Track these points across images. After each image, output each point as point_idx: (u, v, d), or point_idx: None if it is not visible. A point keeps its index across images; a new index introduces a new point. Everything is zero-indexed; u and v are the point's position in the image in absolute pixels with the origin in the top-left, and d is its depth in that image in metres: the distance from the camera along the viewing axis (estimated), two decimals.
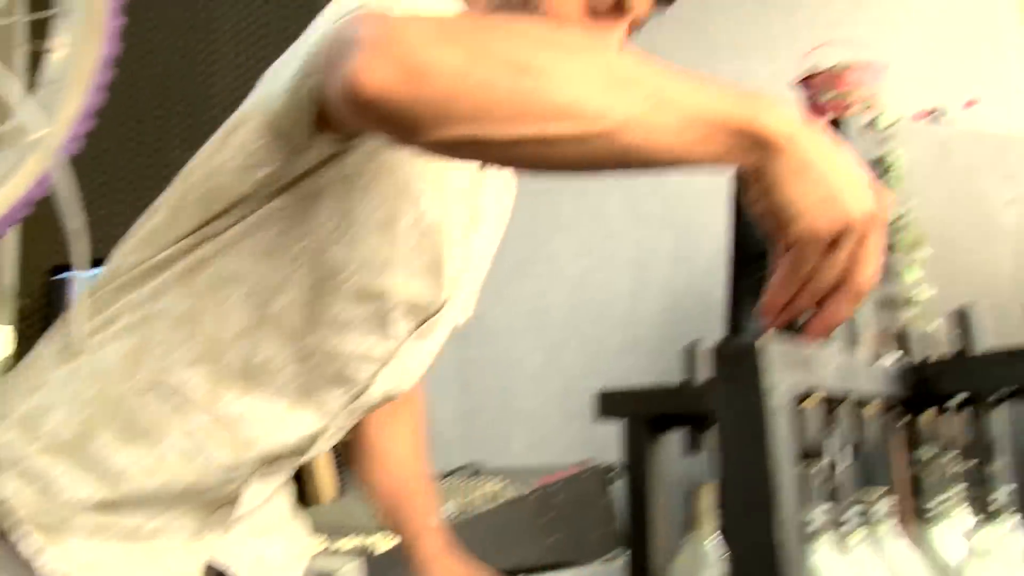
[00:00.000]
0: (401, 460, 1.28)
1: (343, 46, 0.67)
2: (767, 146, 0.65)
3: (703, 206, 2.32)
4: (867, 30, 2.27)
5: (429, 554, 1.22)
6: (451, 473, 2.13)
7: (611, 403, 1.13)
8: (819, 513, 0.72)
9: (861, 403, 0.81)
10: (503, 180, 1.13)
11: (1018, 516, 0.82)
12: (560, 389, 2.50)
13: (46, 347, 0.96)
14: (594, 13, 0.97)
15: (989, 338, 0.85)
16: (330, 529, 1.63)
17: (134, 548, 0.91)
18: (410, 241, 0.93)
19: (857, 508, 0.77)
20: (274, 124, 0.85)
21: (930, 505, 0.88)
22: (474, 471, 2.13)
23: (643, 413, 1.08)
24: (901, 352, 0.90)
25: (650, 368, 2.36)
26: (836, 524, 0.76)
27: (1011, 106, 2.07)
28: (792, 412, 0.67)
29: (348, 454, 1.27)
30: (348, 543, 1.58)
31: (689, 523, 0.98)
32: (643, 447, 1.06)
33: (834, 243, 0.67)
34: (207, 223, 0.91)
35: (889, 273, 1.51)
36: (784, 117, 0.66)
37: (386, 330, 0.96)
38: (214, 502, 0.96)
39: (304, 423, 0.96)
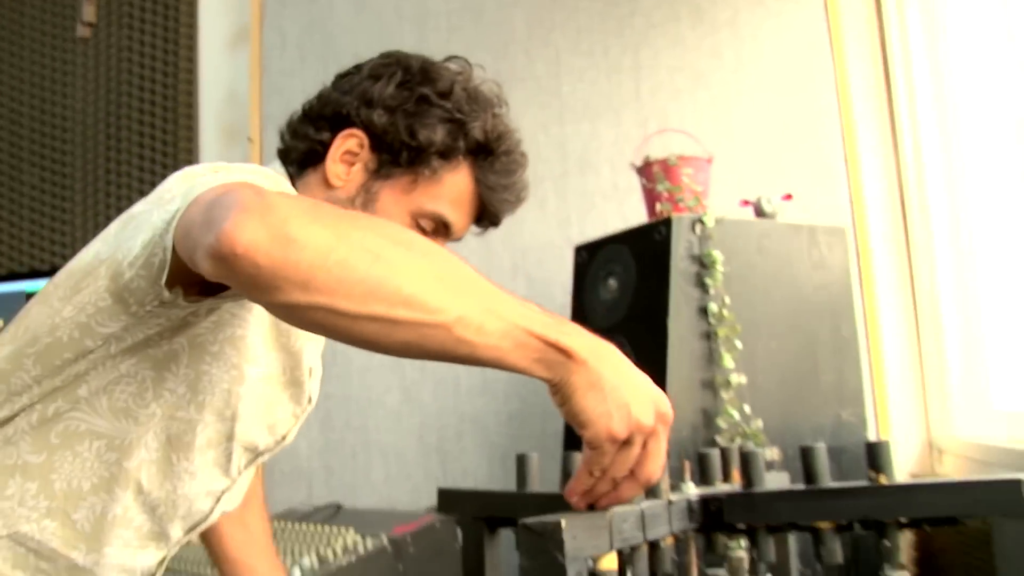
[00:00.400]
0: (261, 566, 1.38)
1: (221, 208, 0.74)
2: (570, 358, 0.78)
3: (552, 260, 2.46)
4: (702, 111, 2.44)
5: None
6: (313, 513, 2.21)
7: (448, 501, 1.25)
8: None
9: (655, 542, 0.96)
10: None
11: None
12: (417, 425, 2.60)
13: None
14: (418, 229, 1.11)
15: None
16: None
17: None
18: (254, 396, 1.03)
19: None
20: (120, 286, 0.91)
21: None
22: (334, 510, 2.21)
23: (478, 513, 1.20)
24: (695, 484, 1.06)
25: (501, 408, 2.50)
26: None
27: (823, 199, 2.29)
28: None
29: (211, 554, 1.36)
30: None
31: None
32: (479, 541, 1.19)
33: (626, 442, 0.81)
34: (53, 374, 0.94)
35: (711, 358, 1.68)
36: (585, 339, 0.80)
37: (229, 469, 1.06)
38: None
39: (151, 556, 1.04)
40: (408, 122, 1.11)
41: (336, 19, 2.79)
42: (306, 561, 1.77)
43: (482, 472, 2.54)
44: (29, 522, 0.94)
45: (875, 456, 0.96)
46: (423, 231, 1.12)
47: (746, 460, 1.02)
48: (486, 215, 1.18)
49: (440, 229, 1.15)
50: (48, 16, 3.27)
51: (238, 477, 1.09)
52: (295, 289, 0.72)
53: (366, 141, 1.12)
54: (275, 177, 1.00)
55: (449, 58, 1.18)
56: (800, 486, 0.99)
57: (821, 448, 0.99)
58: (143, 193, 3.14)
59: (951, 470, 2.06)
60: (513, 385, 2.47)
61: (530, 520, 0.80)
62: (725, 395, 1.66)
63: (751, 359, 1.72)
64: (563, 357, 0.78)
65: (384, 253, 0.74)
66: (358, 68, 1.17)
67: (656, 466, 0.83)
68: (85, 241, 3.23)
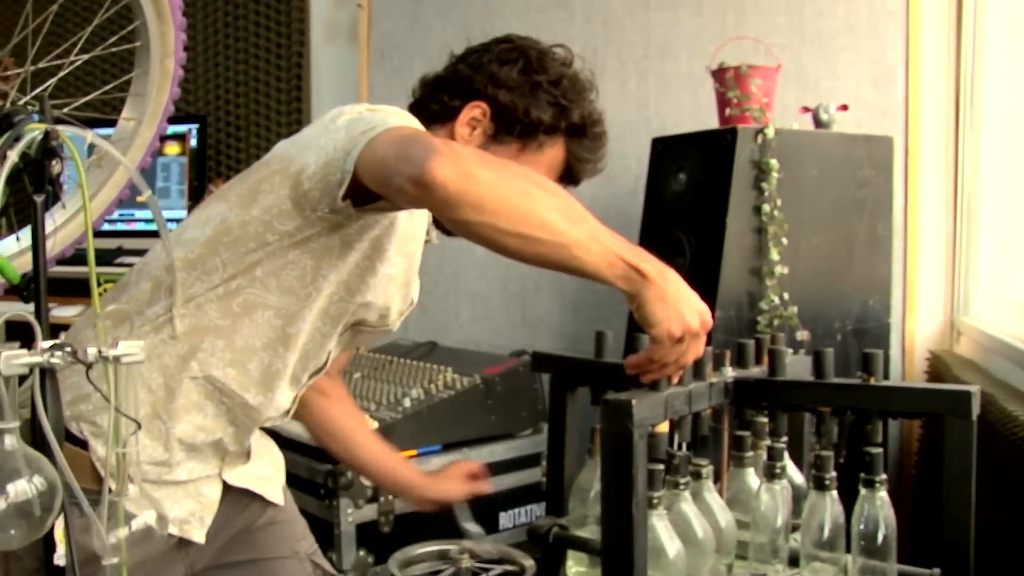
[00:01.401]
0: (363, 436, 1.73)
1: (419, 150, 1.07)
2: (644, 278, 1.12)
3: (630, 138, 2.71)
4: (777, 6, 2.60)
5: (416, 484, 1.71)
6: (413, 349, 2.60)
7: (541, 362, 1.60)
8: (661, 489, 1.22)
9: (698, 413, 1.31)
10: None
11: (784, 479, 1.34)
12: (501, 275, 2.94)
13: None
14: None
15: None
16: None
17: (178, 489, 1.30)
18: (379, 288, 1.34)
19: (689, 474, 1.28)
20: (299, 195, 1.22)
21: (748, 456, 1.39)
22: (431, 348, 2.61)
23: (564, 374, 1.55)
24: (732, 368, 1.39)
25: None
26: (674, 485, 1.27)
27: (879, 103, 2.49)
28: (645, 437, 1.16)
29: (325, 447, 1.73)
30: None
31: (590, 450, 1.45)
32: (563, 396, 1.55)
33: (679, 340, 1.15)
34: (238, 259, 1.26)
35: (760, 251, 1.99)
36: (656, 264, 1.13)
37: (340, 332, 1.38)
38: (232, 453, 1.35)
39: (289, 398, 1.37)
40: (525, 103, 1.41)
41: None
42: (414, 392, 2.17)
43: (555, 320, 2.90)
44: (217, 369, 1.28)
45: (868, 363, 1.27)
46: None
47: (772, 354, 1.35)
48: (569, 179, 1.49)
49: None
50: None
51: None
52: (471, 210, 1.05)
53: (488, 112, 1.42)
54: (417, 123, 1.30)
55: (556, 46, 1.47)
56: (810, 379, 1.32)
57: (829, 352, 1.31)
58: (258, 48, 3.42)
59: (966, 351, 2.36)
60: None
61: (611, 396, 1.15)
62: (769, 283, 1.98)
63: (794, 253, 2.03)
64: (639, 276, 1.12)
65: (531, 192, 1.08)
66: (487, 48, 1.46)
67: (693, 358, 1.19)
68: (206, 88, 3.54)
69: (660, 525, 1.21)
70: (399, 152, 1.11)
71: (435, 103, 1.45)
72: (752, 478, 1.39)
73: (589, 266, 1.10)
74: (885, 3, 2.49)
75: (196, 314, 1.27)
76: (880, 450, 1.24)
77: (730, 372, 1.38)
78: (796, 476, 1.42)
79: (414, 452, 2.07)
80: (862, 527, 1.23)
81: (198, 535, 1.32)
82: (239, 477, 1.39)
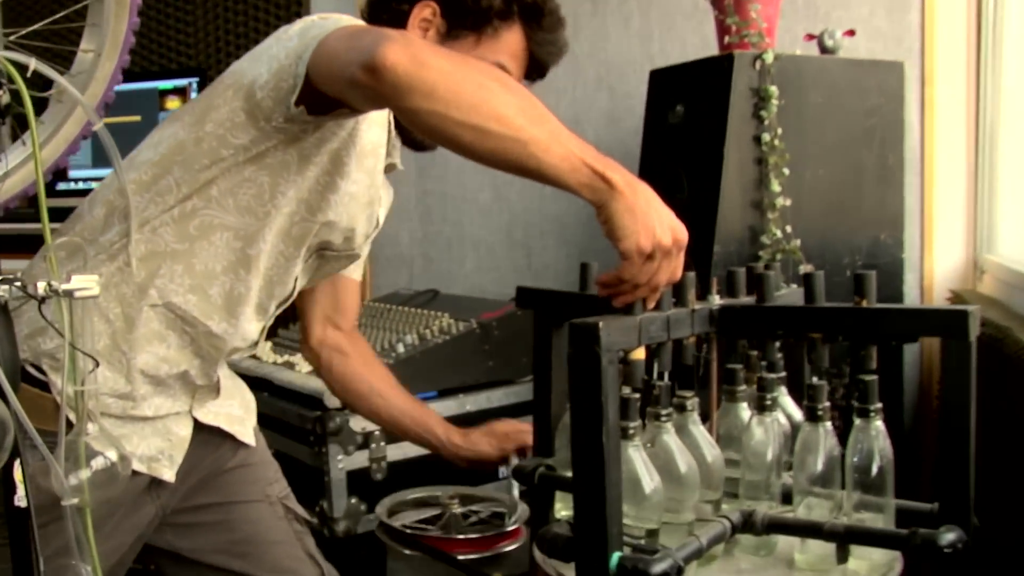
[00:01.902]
0: (387, 388, 1.66)
1: (370, 37, 1.03)
2: (612, 187, 1.04)
3: (633, 75, 2.63)
4: None
5: (456, 439, 1.64)
6: (414, 297, 2.56)
7: (525, 297, 1.53)
8: (637, 420, 1.15)
9: (681, 340, 1.24)
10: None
11: (776, 412, 1.27)
12: (506, 222, 2.89)
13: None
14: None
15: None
16: None
17: (145, 425, 1.27)
18: (342, 206, 1.31)
19: (672, 406, 1.21)
20: (252, 105, 1.19)
21: (740, 391, 1.32)
22: (432, 295, 2.55)
23: (548, 309, 1.48)
24: (720, 294, 1.32)
25: (580, 210, 2.75)
26: (656, 417, 1.20)
27: (890, 29, 2.36)
28: (615, 362, 1.09)
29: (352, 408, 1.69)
30: None
31: None
32: (548, 332, 1.48)
33: (650, 257, 1.07)
34: (192, 178, 1.22)
35: (761, 182, 1.91)
36: (624, 174, 1.06)
37: (304, 257, 1.34)
38: (200, 388, 1.32)
39: (256, 328, 1.35)
40: None
41: None
42: (408, 338, 2.12)
43: (561, 266, 2.83)
44: (177, 295, 1.25)
45: (860, 284, 1.19)
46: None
47: (759, 279, 1.27)
48: (536, 69, 1.44)
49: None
50: None
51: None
52: (421, 97, 1.01)
53: (438, 10, 1.38)
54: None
55: None
56: (799, 304, 1.24)
57: (819, 275, 1.23)
58: None
59: (989, 289, 2.26)
60: None
61: (577, 320, 1.09)
62: (770, 215, 1.89)
63: (798, 184, 1.93)
64: (606, 186, 1.04)
65: (486, 83, 1.03)
66: None
67: (666, 278, 1.11)
68: (207, 41, 3.51)
69: (636, 457, 1.14)
70: (350, 44, 1.08)
71: (384, 12, 1.41)
72: (745, 414, 1.32)
73: (548, 168, 1.03)
74: None
75: (152, 239, 1.24)
76: (874, 377, 1.17)
77: (717, 300, 1.31)
78: (797, 414, 1.34)
79: None
80: (856, 459, 1.16)
81: (168, 473, 1.30)
82: (209, 415, 1.36)
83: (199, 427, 1.34)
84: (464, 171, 2.87)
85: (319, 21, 1.18)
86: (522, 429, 1.64)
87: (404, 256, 3.02)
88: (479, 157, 1.06)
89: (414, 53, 1.01)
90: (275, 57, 1.18)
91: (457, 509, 1.72)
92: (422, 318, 2.27)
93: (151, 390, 1.26)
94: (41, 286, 0.93)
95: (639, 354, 1.17)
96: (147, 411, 1.27)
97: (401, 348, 2.08)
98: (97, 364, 1.00)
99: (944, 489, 1.12)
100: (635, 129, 2.53)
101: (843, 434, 1.18)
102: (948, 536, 1.07)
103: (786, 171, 1.89)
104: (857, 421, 1.17)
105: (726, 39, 2.01)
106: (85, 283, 0.95)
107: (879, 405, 1.15)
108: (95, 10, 1.44)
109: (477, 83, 1.02)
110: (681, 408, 1.25)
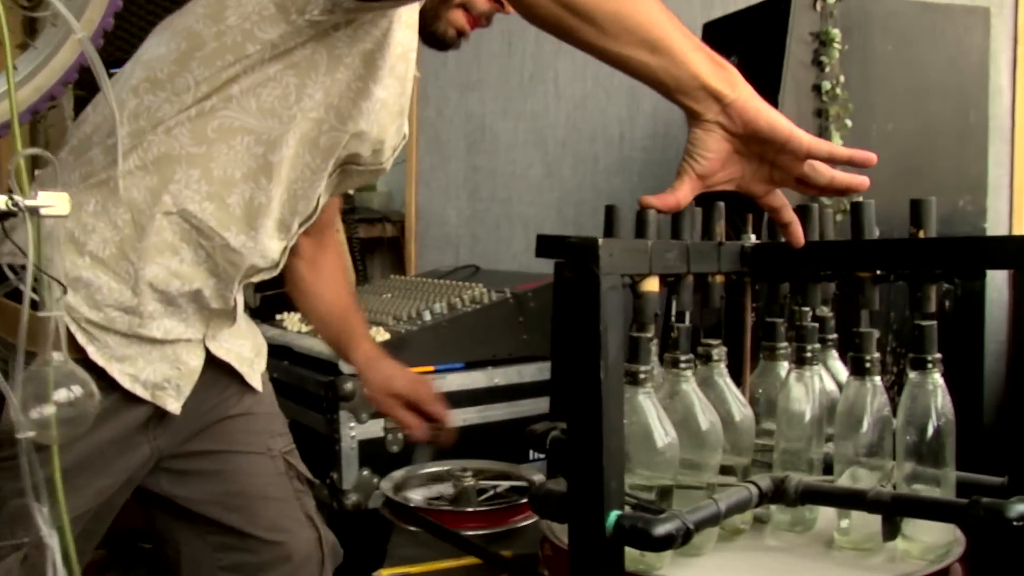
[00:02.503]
0: (331, 294, 1.53)
1: None
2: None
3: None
4: None
5: (364, 359, 1.51)
6: (453, 272, 2.43)
7: (545, 246, 1.39)
8: (650, 364, 0.99)
9: (706, 278, 1.07)
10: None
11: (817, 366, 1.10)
12: (556, 199, 2.75)
13: (65, 173, 1.16)
14: None
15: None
16: None
17: (153, 348, 1.18)
18: (372, 114, 1.19)
19: (692, 356, 1.05)
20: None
21: (781, 348, 1.16)
22: (473, 271, 2.43)
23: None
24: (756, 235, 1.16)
25: (637, 187, 2.60)
26: (674, 363, 1.04)
27: None
28: (619, 289, 0.93)
29: (290, 295, 1.55)
30: None
31: None
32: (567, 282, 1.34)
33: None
34: (213, 75, 1.12)
35: (820, 136, 1.72)
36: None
37: (330, 171, 1.23)
38: (215, 314, 1.23)
39: (278, 246, 1.24)
40: None
41: None
42: (437, 307, 1.99)
43: None
44: (193, 203, 1.15)
45: (916, 212, 1.01)
46: None
47: (800, 212, 1.10)
48: None
49: None
50: None
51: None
52: None
53: None
54: None
55: None
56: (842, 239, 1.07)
57: (870, 204, 1.06)
58: None
59: None
60: (648, 166, 2.55)
61: (573, 236, 0.93)
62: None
63: (863, 139, 1.75)
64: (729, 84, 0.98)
65: None
66: None
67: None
68: None
69: (648, 405, 0.98)
70: None
71: None
72: (783, 367, 1.16)
73: (660, 71, 0.95)
74: None
75: (166, 141, 1.14)
76: (933, 323, 0.99)
77: (752, 239, 1.14)
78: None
79: (431, 368, 1.89)
80: (909, 420, 0.99)
81: (173, 404, 1.21)
82: (221, 349, 1.27)
83: (209, 361, 1.25)
84: (515, 146, 2.74)
85: None
86: (423, 400, 1.51)
87: (451, 236, 2.90)
88: (593, 53, 0.95)
89: None
90: None
91: (470, 483, 1.58)
92: (455, 289, 2.14)
93: (160, 308, 1.17)
94: (2, 200, 0.84)
95: (652, 285, 1.02)
96: (156, 332, 1.18)
97: (428, 316, 1.95)
98: (65, 290, 0.92)
99: (1015, 454, 0.93)
100: None
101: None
102: (1019, 507, 0.88)
103: (848, 123, 1.70)
104: (912, 374, 1.00)
105: None
106: (52, 200, 0.86)
107: (938, 355, 0.98)
108: None
109: None
110: (707, 358, 1.08)
